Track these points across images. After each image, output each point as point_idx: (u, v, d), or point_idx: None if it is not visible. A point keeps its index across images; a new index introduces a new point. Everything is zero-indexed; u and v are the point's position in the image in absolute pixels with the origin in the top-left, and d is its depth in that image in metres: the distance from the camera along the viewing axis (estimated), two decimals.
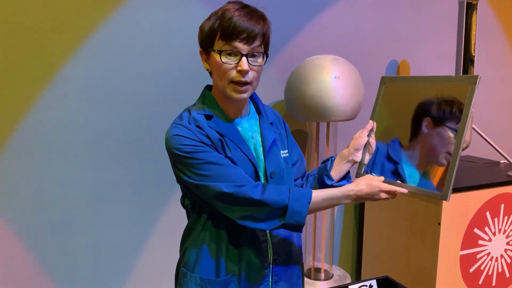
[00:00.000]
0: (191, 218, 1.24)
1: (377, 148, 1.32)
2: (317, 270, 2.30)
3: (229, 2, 1.12)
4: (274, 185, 1.12)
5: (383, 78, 1.38)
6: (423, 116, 1.25)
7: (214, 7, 1.16)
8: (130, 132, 2.04)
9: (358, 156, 1.30)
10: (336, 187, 1.22)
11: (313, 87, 1.94)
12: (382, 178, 1.19)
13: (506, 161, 2.50)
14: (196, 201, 1.18)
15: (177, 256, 1.32)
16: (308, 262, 2.34)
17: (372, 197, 1.14)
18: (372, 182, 1.14)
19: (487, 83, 2.85)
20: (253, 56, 1.11)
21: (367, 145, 1.31)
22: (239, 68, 1.09)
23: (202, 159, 1.09)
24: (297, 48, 2.28)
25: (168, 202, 2.16)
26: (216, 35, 1.09)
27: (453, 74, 2.33)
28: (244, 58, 1.09)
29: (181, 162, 1.12)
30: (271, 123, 1.27)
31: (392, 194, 1.15)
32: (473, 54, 2.27)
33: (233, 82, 1.11)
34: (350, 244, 2.62)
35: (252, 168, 1.16)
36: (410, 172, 1.23)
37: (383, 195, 1.14)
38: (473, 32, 2.25)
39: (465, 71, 2.29)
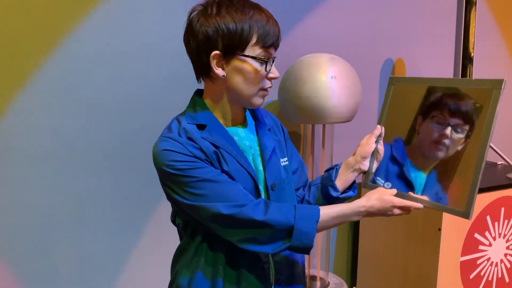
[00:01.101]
0: (183, 239, 1.13)
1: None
2: (313, 278, 2.22)
3: (237, 0, 1.02)
4: (278, 203, 1.02)
5: (391, 79, 1.27)
6: (418, 115, 1.19)
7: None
8: (113, 137, 1.93)
9: (365, 165, 1.19)
10: (343, 201, 1.13)
11: (308, 87, 1.85)
12: (395, 191, 1.09)
13: (504, 162, 2.45)
14: (190, 221, 1.07)
15: (166, 270, 1.22)
16: None
17: (384, 213, 1.05)
18: (384, 197, 1.05)
19: None
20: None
21: (374, 152, 1.20)
22: (271, 75, 1.05)
23: (196, 176, 0.98)
24: (292, 46, 2.19)
25: (156, 211, 2.05)
26: (249, 40, 1.00)
27: (452, 73, 2.26)
28: (273, 65, 1.04)
29: (172, 180, 1.00)
30: (269, 129, 1.16)
31: (406, 210, 1.06)
32: (472, 52, 2.21)
33: (262, 89, 1.05)
34: (345, 250, 2.55)
35: (252, 182, 1.06)
36: (416, 174, 1.15)
37: (396, 211, 1.05)
38: (471, 30, 2.20)
39: (464, 70, 2.23)
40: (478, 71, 2.52)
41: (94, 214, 1.94)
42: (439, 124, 1.11)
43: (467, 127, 1.07)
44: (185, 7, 1.08)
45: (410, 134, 1.18)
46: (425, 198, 1.10)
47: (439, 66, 2.61)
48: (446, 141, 1.10)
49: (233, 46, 0.99)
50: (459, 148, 1.08)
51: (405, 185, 1.16)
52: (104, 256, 1.99)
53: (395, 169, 1.18)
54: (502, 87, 1.01)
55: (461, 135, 1.07)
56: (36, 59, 1.77)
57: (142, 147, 1.95)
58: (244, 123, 1.12)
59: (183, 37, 1.06)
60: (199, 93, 1.12)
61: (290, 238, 0.98)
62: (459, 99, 1.09)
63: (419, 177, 1.14)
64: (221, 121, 1.08)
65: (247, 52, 1.00)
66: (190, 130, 1.02)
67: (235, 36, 0.98)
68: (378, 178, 1.21)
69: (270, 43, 1.01)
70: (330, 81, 1.85)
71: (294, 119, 1.97)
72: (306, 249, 1.00)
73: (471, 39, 2.19)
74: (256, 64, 1.01)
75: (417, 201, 1.08)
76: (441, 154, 1.10)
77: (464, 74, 2.22)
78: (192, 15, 1.03)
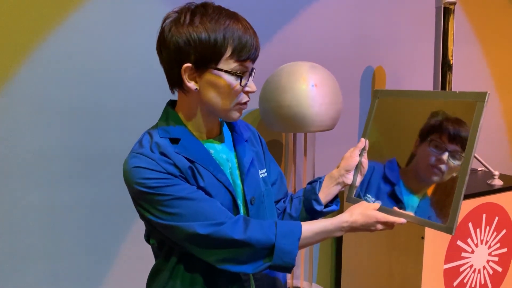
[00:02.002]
0: (158, 259, 1.07)
1: (373, 168, 1.19)
2: None
3: (212, 8, 0.96)
4: (258, 220, 0.98)
5: (375, 92, 1.25)
6: (415, 135, 1.15)
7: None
8: (88, 148, 1.86)
9: (349, 178, 1.16)
10: (326, 215, 1.10)
11: (289, 96, 1.83)
12: (378, 205, 1.07)
13: (484, 168, 2.46)
14: (164, 241, 1.02)
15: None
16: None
17: (367, 228, 1.02)
18: (367, 212, 1.02)
19: (462, 89, 2.83)
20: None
21: (358, 165, 1.17)
22: (248, 89, 0.99)
23: (170, 194, 0.93)
24: (272, 54, 2.17)
25: (131, 228, 1.99)
26: (223, 53, 0.93)
27: (432, 80, 2.27)
28: (250, 78, 0.98)
29: (144, 199, 0.95)
30: (246, 140, 1.12)
31: (389, 225, 1.03)
32: (451, 59, 2.22)
33: (239, 104, 0.99)
34: (329, 260, 2.52)
35: (230, 197, 1.01)
36: (408, 196, 1.11)
37: (380, 227, 1.03)
38: (450, 37, 2.21)
39: (443, 77, 2.24)
40: (457, 79, 2.54)
41: (67, 230, 1.87)
42: (436, 149, 1.08)
43: (463, 154, 1.04)
44: (162, 13, 1.04)
45: (405, 155, 1.16)
46: (409, 213, 1.07)
47: (418, 73, 2.62)
48: (442, 166, 1.07)
49: (206, 59, 0.94)
50: (455, 174, 1.04)
51: (396, 204, 1.13)
52: (77, 275, 1.92)
53: (387, 188, 1.15)
54: (486, 100, 1.00)
55: (458, 162, 1.04)
56: (7, 67, 1.71)
57: (117, 160, 1.89)
58: (220, 135, 1.08)
59: (156, 46, 1.00)
60: (171, 104, 1.06)
61: (271, 257, 0.94)
62: (459, 125, 1.06)
63: (412, 200, 1.11)
64: (195, 134, 1.03)
65: (221, 66, 0.94)
66: (163, 145, 0.97)
67: (208, 48, 0.93)
68: (368, 195, 1.17)
69: (246, 57, 0.95)
70: (311, 89, 1.83)
71: (276, 128, 1.94)
72: (288, 268, 0.96)
73: (450, 47, 2.20)
74: (230, 79, 0.95)
75: (401, 215, 1.05)
76: (436, 179, 1.07)
77: (443, 81, 2.23)
78: (165, 23, 0.97)
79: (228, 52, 0.93)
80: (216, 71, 0.94)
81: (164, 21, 0.98)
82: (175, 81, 0.99)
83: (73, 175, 1.85)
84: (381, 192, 1.15)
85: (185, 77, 0.95)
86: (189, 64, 0.94)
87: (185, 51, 0.93)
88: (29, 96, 1.75)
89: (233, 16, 0.96)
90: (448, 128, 1.07)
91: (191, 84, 0.96)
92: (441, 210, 1.03)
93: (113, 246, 1.97)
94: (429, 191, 1.09)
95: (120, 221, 1.97)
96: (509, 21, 3.00)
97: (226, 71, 0.94)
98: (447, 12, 2.19)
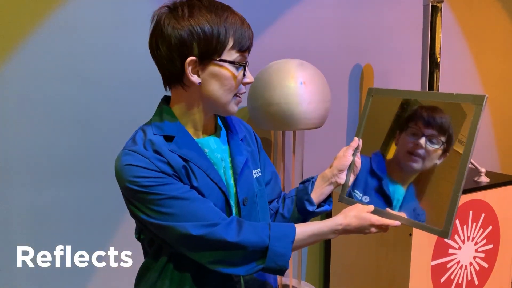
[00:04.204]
0: (147, 256, 1.06)
1: (361, 163, 1.19)
2: (285, 287, 2.18)
3: (208, 1, 0.96)
4: (251, 222, 0.97)
5: (370, 90, 1.23)
6: (398, 129, 1.16)
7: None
8: (72, 147, 1.84)
9: (342, 178, 1.15)
10: (319, 215, 1.09)
11: (278, 94, 1.83)
12: (372, 207, 1.06)
13: (470, 165, 2.48)
14: (155, 239, 1.01)
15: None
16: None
17: (361, 231, 1.02)
18: (362, 214, 1.01)
19: (450, 86, 2.85)
20: None
21: (351, 165, 1.16)
22: (247, 80, 1.00)
23: (163, 193, 0.91)
24: (261, 51, 2.15)
25: (119, 227, 1.97)
26: (226, 44, 0.94)
27: (420, 78, 2.28)
28: (247, 69, 1.00)
29: (136, 197, 0.93)
30: (241, 139, 1.10)
31: (384, 228, 1.03)
32: (438, 57, 2.23)
33: (237, 95, 1.00)
34: (317, 257, 2.53)
35: (223, 197, 1.00)
36: (394, 188, 1.12)
37: (374, 230, 1.02)
38: (437, 35, 2.22)
39: (431, 74, 2.25)
40: (445, 76, 2.55)
41: (53, 229, 1.85)
42: (414, 135, 1.10)
43: (442, 138, 1.05)
44: (149, 10, 1.02)
45: (389, 148, 1.16)
46: (402, 215, 1.07)
47: (407, 70, 2.63)
48: (421, 152, 1.08)
49: (210, 51, 0.93)
50: (437, 162, 1.05)
51: (383, 199, 1.13)
52: (64, 274, 1.89)
53: (374, 183, 1.15)
54: (484, 103, 0.97)
55: (436, 146, 1.05)
56: None
57: (103, 157, 1.85)
58: (215, 133, 1.06)
59: (150, 42, 0.97)
60: (166, 100, 1.04)
61: (264, 260, 0.94)
62: (434, 111, 1.08)
63: (397, 192, 1.11)
64: (190, 131, 1.01)
65: (224, 57, 0.95)
66: (157, 142, 0.95)
67: (212, 40, 0.93)
68: (356, 191, 1.17)
69: (245, 47, 0.97)
70: (299, 87, 1.83)
71: (264, 126, 1.93)
72: (281, 271, 0.96)
73: (437, 45, 2.21)
74: (233, 69, 0.96)
75: (395, 218, 1.05)
76: (416, 166, 1.08)
77: (431, 79, 2.24)
78: (159, 17, 0.95)
79: (230, 43, 0.94)
80: (220, 63, 0.95)
81: (156, 16, 0.96)
82: (175, 77, 0.96)
83: (56, 174, 1.83)
84: (368, 187, 1.16)
85: (188, 70, 0.94)
86: (193, 58, 0.93)
87: (189, 44, 0.92)
88: (10, 95, 1.72)
89: (229, 9, 0.98)
90: (423, 114, 1.09)
91: (195, 78, 0.95)
92: (436, 213, 1.02)
93: (102, 245, 1.95)
94: (413, 181, 1.10)
95: (108, 219, 1.95)
96: (496, 19, 3.03)
97: (230, 62, 0.95)
98: (435, 10, 2.20)
